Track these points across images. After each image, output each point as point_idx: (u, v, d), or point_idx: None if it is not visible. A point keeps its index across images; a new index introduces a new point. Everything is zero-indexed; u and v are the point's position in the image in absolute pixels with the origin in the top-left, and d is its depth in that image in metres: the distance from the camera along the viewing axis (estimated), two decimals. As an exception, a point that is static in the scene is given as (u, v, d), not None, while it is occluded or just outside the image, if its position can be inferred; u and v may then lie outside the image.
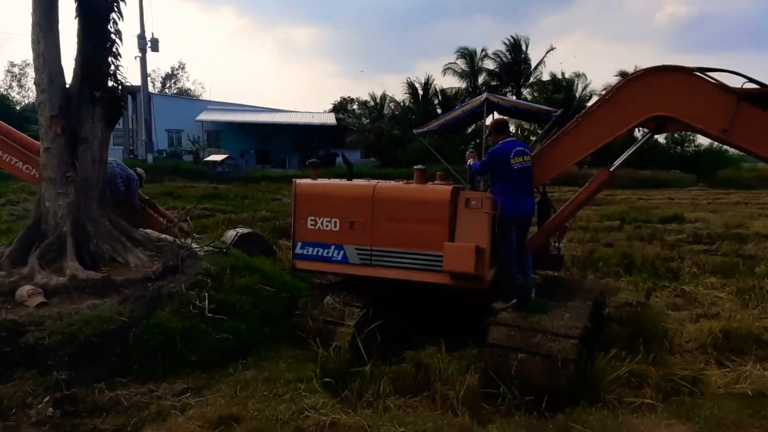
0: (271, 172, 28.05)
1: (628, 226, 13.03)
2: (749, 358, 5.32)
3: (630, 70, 30.72)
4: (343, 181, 5.74)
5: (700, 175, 28.76)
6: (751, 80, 4.65)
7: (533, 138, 22.16)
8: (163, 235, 6.54)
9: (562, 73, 35.02)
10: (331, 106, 48.84)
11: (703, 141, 32.07)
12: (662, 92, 4.80)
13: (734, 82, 4.67)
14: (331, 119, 36.87)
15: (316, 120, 36.24)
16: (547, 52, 35.63)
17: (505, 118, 5.38)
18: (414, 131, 6.42)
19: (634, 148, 5.20)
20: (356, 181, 5.76)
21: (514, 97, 30.01)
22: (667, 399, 4.01)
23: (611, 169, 5.14)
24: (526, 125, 30.15)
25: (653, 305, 6.74)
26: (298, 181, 5.54)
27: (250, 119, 35.06)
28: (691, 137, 31.77)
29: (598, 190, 5.18)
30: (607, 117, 5.00)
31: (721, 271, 8.72)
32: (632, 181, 24.54)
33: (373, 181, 5.42)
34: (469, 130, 28.85)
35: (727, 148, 30.60)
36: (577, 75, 34.70)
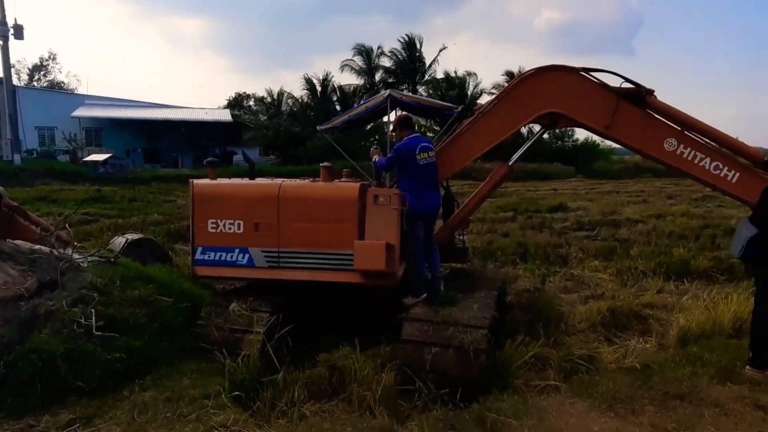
0: (162, 172, 26.30)
1: (520, 216, 13.86)
2: (632, 333, 5.86)
3: (515, 70, 32.97)
4: (246, 181, 5.47)
5: (578, 167, 31.45)
6: (627, 80, 5.07)
7: (431, 134, 22.86)
8: (38, 246, 5.79)
9: (455, 72, 36.51)
10: (225, 102, 46.90)
11: (579, 136, 35.10)
12: (553, 90, 5.09)
13: (614, 81, 5.10)
14: (226, 116, 35.38)
15: (210, 116, 34.58)
16: (440, 51, 36.98)
17: (409, 114, 5.42)
18: (318, 128, 6.29)
19: (530, 143, 5.49)
20: (260, 181, 5.51)
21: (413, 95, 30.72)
22: (568, 378, 4.27)
23: (510, 164, 5.38)
24: (422, 122, 31.07)
25: (548, 290, 7.20)
26: (196, 181, 5.18)
27: (135, 115, 32.53)
28: (569, 133, 34.59)
29: (499, 184, 5.41)
30: (505, 114, 5.22)
31: (602, 255, 9.55)
32: (521, 174, 26.25)
33: (278, 180, 5.21)
34: (370, 126, 29.17)
35: (599, 142, 33.82)
36: (469, 74, 36.38)
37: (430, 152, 4.96)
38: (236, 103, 46.78)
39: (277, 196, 4.84)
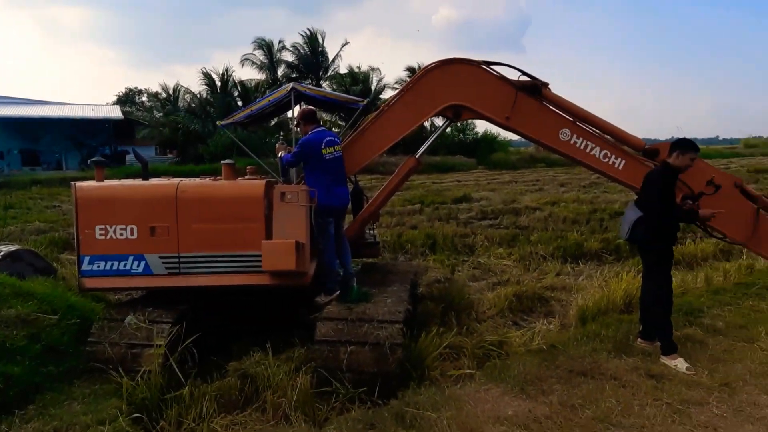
0: (44, 175, 23.90)
1: (427, 208, 14.17)
2: (537, 315, 6.16)
3: (416, 66, 33.68)
4: (138, 182, 5.02)
5: (479, 159, 32.85)
6: (524, 74, 5.29)
7: (336, 129, 22.70)
8: None
9: (359, 67, 36.58)
10: (115, 98, 43.51)
11: (479, 129, 36.67)
12: (456, 83, 5.18)
13: (512, 75, 5.28)
14: (116, 112, 32.81)
15: (97, 113, 31.88)
16: (343, 46, 36.84)
17: (313, 108, 5.26)
18: (218, 123, 5.93)
19: (436, 135, 5.56)
20: (154, 181, 5.09)
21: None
22: (482, 365, 4.37)
23: (417, 156, 5.41)
24: (326, 116, 30.79)
25: (458, 279, 7.37)
26: (79, 184, 4.66)
27: (9, 113, 29.14)
28: (470, 126, 36.01)
29: (407, 177, 5.42)
30: (410, 107, 5.24)
31: (506, 242, 10.01)
32: (426, 166, 26.92)
33: (176, 180, 4.83)
34: (274, 122, 28.42)
35: (498, 134, 35.61)
36: (372, 69, 36.60)
37: (336, 146, 4.84)
38: (127, 99, 43.56)
39: (175, 197, 4.49)
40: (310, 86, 5.68)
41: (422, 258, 9.02)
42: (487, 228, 11.50)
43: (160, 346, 4.17)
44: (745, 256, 7.97)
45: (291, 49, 35.62)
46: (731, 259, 8.44)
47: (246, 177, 4.95)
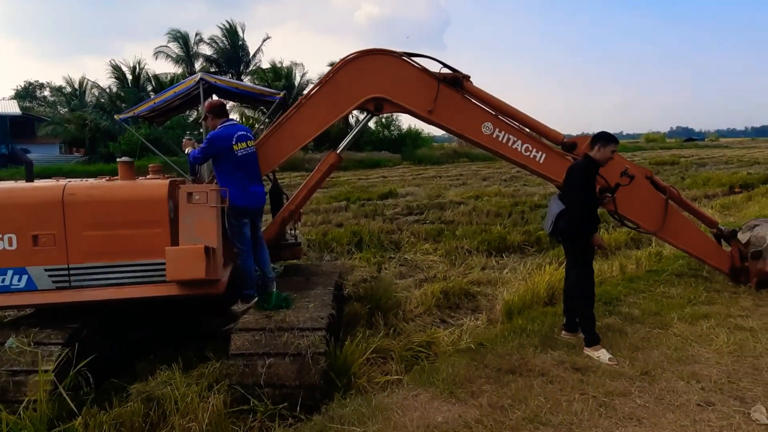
0: None
1: (353, 205, 13.94)
2: (464, 312, 6.11)
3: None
4: (19, 184, 4.38)
5: (404, 154, 33.10)
6: (446, 66, 5.16)
7: (260, 126, 21.91)
8: None
9: (281, 62, 35.66)
10: (13, 93, 39.73)
11: (404, 124, 36.95)
12: (376, 74, 4.96)
13: (433, 68, 5.14)
14: (13, 108, 29.96)
15: (-11, 109, 28.89)
16: (264, 41, 35.76)
17: (222, 100, 4.83)
18: (116, 117, 5.33)
19: (357, 130, 5.31)
20: (38, 183, 4.47)
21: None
22: (410, 369, 4.20)
23: (338, 152, 5.15)
24: (249, 112, 29.77)
25: (384, 278, 7.20)
26: (-58, 188, 3.99)
27: None
28: (395, 122, 36.19)
29: (328, 173, 5.14)
30: (329, 99, 4.97)
31: (432, 237, 9.98)
32: (351, 163, 26.73)
33: (63, 181, 4.26)
34: (191, 118, 27.03)
35: (422, 129, 36.05)
36: (295, 64, 35.81)
37: (248, 142, 4.48)
38: (27, 93, 39.94)
39: (62, 201, 3.94)
40: (220, 77, 5.23)
41: (348, 256, 8.78)
42: (413, 224, 11.46)
43: (47, 371, 3.64)
44: (654, 244, 8.40)
45: (209, 42, 34.12)
46: (641, 247, 8.88)
47: (148, 176, 4.47)
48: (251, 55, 35.25)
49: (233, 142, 4.32)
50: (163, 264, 3.91)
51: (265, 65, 35.44)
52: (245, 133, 4.48)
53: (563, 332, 4.69)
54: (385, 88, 4.98)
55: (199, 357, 4.35)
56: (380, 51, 4.98)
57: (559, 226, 4.48)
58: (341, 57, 5.05)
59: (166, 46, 33.12)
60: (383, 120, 34.98)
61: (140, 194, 4.10)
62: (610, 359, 4.14)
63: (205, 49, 34.31)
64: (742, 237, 5.99)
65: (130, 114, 5.11)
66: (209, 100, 4.54)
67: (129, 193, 4.12)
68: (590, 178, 4.36)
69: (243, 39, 34.83)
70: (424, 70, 5.07)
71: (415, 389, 3.73)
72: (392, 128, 36.20)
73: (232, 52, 34.48)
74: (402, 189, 17.64)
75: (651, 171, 5.85)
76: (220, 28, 34.30)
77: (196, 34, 33.80)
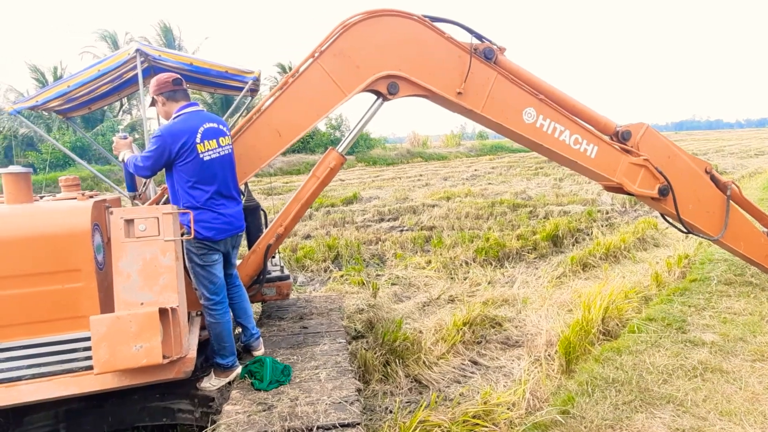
0: None
1: (317, 212, 12.49)
2: (495, 347, 4.84)
3: (287, 64, 31.41)
4: None
5: (357, 156, 31.72)
6: (474, 33, 3.88)
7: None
8: None
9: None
10: None
11: (353, 124, 35.53)
12: (390, 44, 3.62)
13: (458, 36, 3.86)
14: None
15: None
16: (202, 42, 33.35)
17: (178, 74, 3.27)
18: (7, 109, 3.66)
19: (364, 121, 3.93)
20: None
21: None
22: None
23: (339, 151, 3.77)
24: (206, 97, 27.20)
25: (382, 304, 5.86)
26: None
27: None
28: (344, 122, 34.70)
29: (328, 179, 3.75)
30: (326, 78, 3.57)
31: (419, 247, 8.73)
32: (305, 166, 25.08)
33: None
34: (125, 122, 24.50)
35: (371, 130, 34.74)
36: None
37: (222, 138, 3.01)
38: (-74, 99, 35.44)
39: None
40: (167, 50, 3.71)
41: (327, 275, 7.38)
42: (390, 231, 10.16)
43: None
44: (674, 244, 7.51)
45: (139, 40, 31.39)
46: (648, 249, 8.03)
47: (56, 196, 2.92)
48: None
49: (197, 140, 2.83)
50: (89, 339, 2.38)
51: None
52: (216, 125, 2.99)
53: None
54: (403, 63, 3.64)
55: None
56: (394, 12, 3.63)
57: None
58: (290, 61, 3.64)
59: (92, 46, 30.27)
60: (332, 122, 33.43)
61: (43, 225, 2.55)
62: None
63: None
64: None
65: (29, 104, 3.43)
66: (156, 76, 3.01)
67: (22, 224, 2.55)
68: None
69: (180, 39, 32.33)
70: (451, 38, 3.77)
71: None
72: (343, 129, 34.72)
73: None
74: (365, 192, 16.32)
75: (711, 165, 4.85)
76: (153, 27, 31.73)
77: (126, 33, 31.14)
